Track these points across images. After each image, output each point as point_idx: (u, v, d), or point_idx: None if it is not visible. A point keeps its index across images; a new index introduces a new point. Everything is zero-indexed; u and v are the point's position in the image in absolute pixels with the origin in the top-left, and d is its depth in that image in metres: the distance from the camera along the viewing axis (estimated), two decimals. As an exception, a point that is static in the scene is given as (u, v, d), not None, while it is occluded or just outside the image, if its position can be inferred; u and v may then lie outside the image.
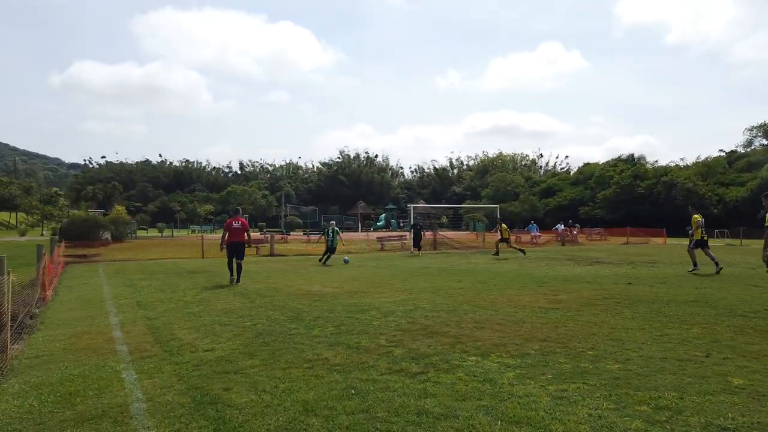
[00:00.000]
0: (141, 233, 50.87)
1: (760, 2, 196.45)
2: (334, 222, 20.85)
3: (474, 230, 51.81)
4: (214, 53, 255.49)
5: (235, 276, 12.35)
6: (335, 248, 19.02)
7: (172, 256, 21.88)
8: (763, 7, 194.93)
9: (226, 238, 12.60)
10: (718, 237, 36.89)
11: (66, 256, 19.28)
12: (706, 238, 14.00)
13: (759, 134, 69.37)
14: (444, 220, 67.66)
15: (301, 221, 72.28)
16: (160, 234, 51.87)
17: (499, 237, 22.32)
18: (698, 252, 14.11)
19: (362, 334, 6.61)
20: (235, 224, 12.60)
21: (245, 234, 12.71)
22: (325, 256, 18.58)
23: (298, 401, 4.17)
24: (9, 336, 5.80)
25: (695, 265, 13.83)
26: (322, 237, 20.10)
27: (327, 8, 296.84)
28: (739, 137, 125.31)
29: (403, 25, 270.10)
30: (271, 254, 23.12)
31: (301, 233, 48.82)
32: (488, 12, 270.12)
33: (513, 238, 27.62)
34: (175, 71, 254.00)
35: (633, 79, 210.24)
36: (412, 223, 21.96)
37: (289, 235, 43.74)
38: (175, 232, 55.91)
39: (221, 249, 12.71)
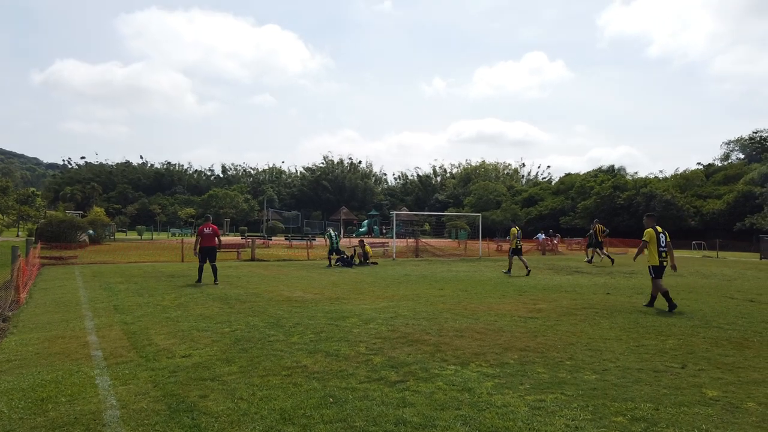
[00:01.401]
0: (120, 235, 50.19)
1: (739, 18, 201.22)
2: (331, 228, 23.09)
3: (456, 238, 52.02)
4: (199, 55, 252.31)
5: (201, 280, 13.30)
6: (338, 248, 20.79)
7: (151, 260, 21.59)
8: (741, 22, 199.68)
9: (199, 242, 13.54)
10: (695, 248, 37.44)
11: (42, 257, 18.91)
12: (520, 247, 17.49)
13: (736, 148, 70.84)
14: (426, 227, 67.82)
15: (283, 226, 71.96)
16: (139, 237, 51.23)
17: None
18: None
19: (342, 341, 6.58)
20: (206, 230, 13.57)
21: (216, 239, 13.62)
22: (333, 258, 20.27)
23: (276, 409, 4.14)
24: (-20, 340, 5.67)
25: (509, 270, 17.23)
26: (326, 240, 21.92)
27: (314, 13, 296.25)
28: (717, 150, 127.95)
29: (390, 32, 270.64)
30: (252, 259, 22.94)
31: (283, 238, 48.52)
32: (475, 21, 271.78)
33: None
34: (159, 72, 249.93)
35: (616, 91, 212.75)
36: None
37: (271, 240, 43.44)
38: (155, 235, 55.23)
39: (195, 253, 13.68)
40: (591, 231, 23.44)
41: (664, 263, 9.79)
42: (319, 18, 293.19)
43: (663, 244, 9.83)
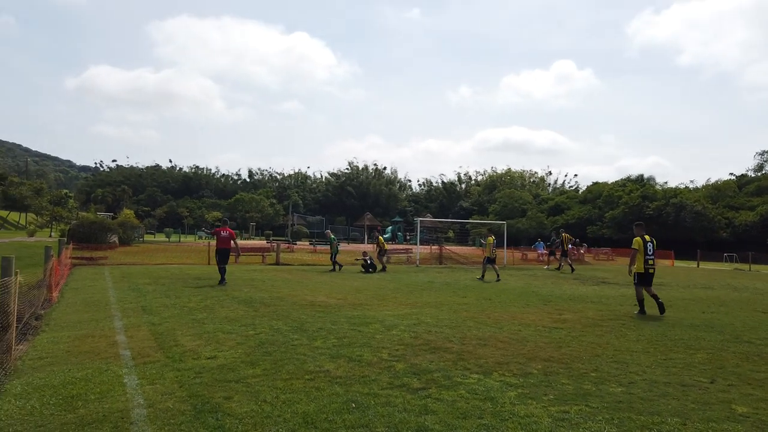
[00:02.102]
0: (148, 237, 51.09)
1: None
2: (329, 231, 23.39)
3: (481, 246, 51.72)
4: (229, 61, 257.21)
5: (225, 281, 13.74)
6: (337, 253, 20.75)
7: (179, 262, 21.95)
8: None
9: (216, 244, 14.34)
10: (726, 261, 36.55)
11: (73, 258, 19.38)
12: (494, 256, 18.18)
13: (770, 159, 69.05)
14: (451, 234, 67.57)
15: (307, 231, 72.40)
16: (167, 239, 52.09)
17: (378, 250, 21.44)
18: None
19: (365, 347, 6.60)
20: (223, 233, 14.21)
21: (231, 242, 14.26)
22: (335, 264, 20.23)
23: (299, 413, 4.17)
24: (14, 336, 5.84)
25: (482, 277, 17.89)
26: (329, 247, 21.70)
27: (342, 20, 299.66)
28: (750, 161, 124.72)
29: (417, 39, 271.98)
30: (277, 263, 23.15)
31: (307, 243, 48.79)
32: (502, 29, 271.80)
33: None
34: (189, 78, 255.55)
35: (645, 100, 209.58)
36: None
37: (296, 244, 43.75)
38: (183, 238, 56.08)
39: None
40: (557, 240, 24.62)
41: (650, 270, 10.26)
42: (347, 25, 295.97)
43: (650, 253, 10.28)
